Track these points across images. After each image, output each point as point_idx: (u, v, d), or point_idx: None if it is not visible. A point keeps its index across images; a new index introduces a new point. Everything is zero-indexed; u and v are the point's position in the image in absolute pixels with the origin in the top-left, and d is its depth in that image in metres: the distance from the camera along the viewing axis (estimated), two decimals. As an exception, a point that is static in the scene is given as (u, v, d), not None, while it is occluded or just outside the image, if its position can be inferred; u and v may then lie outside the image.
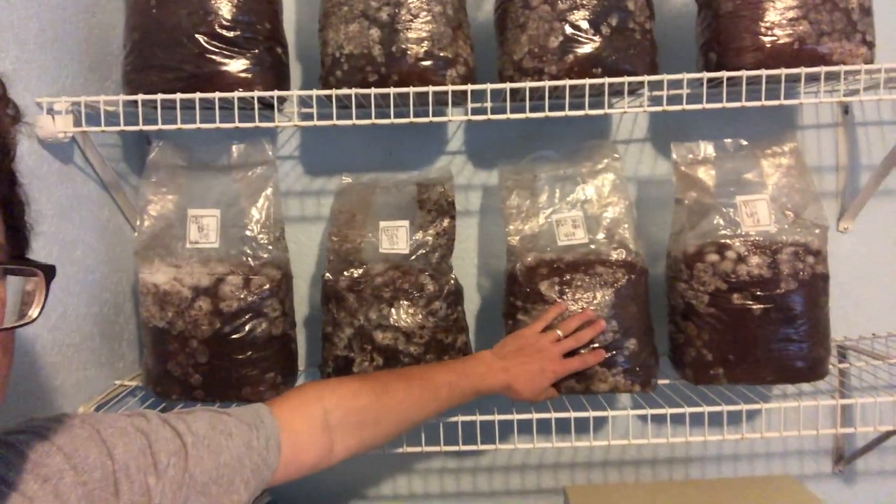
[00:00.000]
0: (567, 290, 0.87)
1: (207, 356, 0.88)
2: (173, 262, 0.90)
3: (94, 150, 0.92)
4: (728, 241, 0.85)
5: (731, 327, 0.86)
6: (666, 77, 0.81)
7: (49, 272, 0.45)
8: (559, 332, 0.84)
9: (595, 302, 0.86)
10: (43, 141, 0.83)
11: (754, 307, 0.84)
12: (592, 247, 0.90)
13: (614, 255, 0.89)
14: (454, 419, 0.89)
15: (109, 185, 0.96)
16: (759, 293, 0.84)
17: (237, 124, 0.83)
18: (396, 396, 0.75)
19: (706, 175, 0.88)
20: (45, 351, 0.82)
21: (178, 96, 0.82)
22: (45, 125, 0.82)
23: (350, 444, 0.72)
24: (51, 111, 0.83)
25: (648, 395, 0.89)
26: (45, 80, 0.84)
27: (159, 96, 0.82)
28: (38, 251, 0.80)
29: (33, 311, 0.44)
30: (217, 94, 0.82)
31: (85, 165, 0.92)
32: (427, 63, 0.83)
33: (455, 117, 0.88)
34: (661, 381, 0.92)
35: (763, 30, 0.79)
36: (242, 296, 0.88)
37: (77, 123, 0.84)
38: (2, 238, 0.43)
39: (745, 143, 0.90)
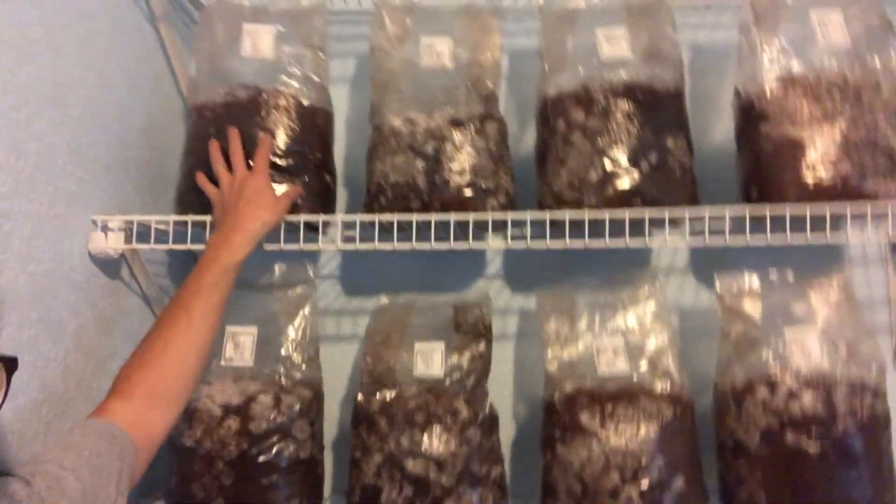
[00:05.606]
0: (609, 422, 0.83)
1: (233, 478, 0.85)
2: (207, 378, 0.89)
3: (140, 266, 0.94)
4: (778, 376, 0.82)
5: (785, 468, 0.81)
6: (707, 211, 0.82)
7: (11, 364, 0.49)
8: (221, 166, 0.84)
9: (639, 436, 0.82)
10: (94, 256, 0.86)
11: (810, 447, 0.79)
12: (635, 377, 0.87)
13: (659, 387, 0.86)
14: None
15: (153, 299, 0.98)
16: (814, 432, 0.80)
17: (282, 247, 0.85)
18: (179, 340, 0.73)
19: (752, 307, 0.87)
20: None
21: (228, 217, 0.84)
22: (97, 242, 0.85)
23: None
24: (104, 228, 0.86)
25: (698, 541, 0.83)
26: (103, 198, 0.88)
27: (209, 217, 0.85)
28: (75, 364, 0.81)
29: None
30: (265, 217, 0.84)
31: (131, 281, 0.94)
32: (468, 192, 0.86)
33: (494, 244, 0.88)
34: (711, 526, 0.85)
35: (805, 168, 0.79)
36: (272, 416, 0.87)
37: (128, 241, 0.87)
38: None
39: (791, 275, 0.89)
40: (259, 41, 0.88)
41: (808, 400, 0.80)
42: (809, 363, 0.82)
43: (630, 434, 0.82)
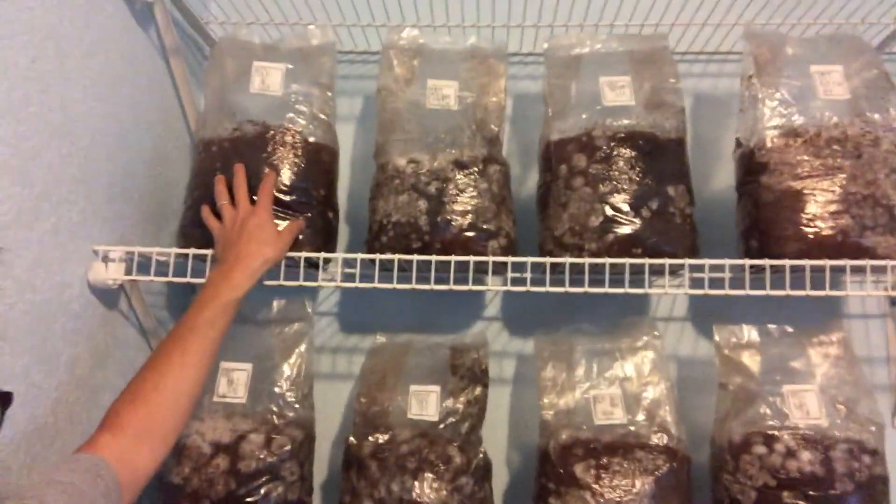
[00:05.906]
0: (604, 475, 0.82)
1: (219, 519, 0.83)
2: (198, 414, 0.88)
3: (139, 298, 0.94)
4: (776, 432, 0.81)
5: (782, 529, 0.79)
6: (708, 261, 0.82)
7: (5, 398, 0.49)
8: (225, 201, 0.85)
9: (634, 491, 0.81)
10: (93, 286, 0.85)
11: (808, 508, 0.78)
12: (632, 428, 0.86)
13: (655, 440, 0.84)
14: None
15: (149, 331, 0.98)
16: (811, 493, 0.78)
17: (281, 282, 0.85)
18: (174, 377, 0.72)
19: (751, 361, 0.86)
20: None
21: (228, 252, 0.84)
22: (98, 271, 0.85)
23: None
24: (105, 258, 0.86)
25: None
26: (106, 228, 0.88)
27: (210, 251, 0.85)
28: (66, 395, 0.80)
29: None
30: (266, 253, 0.84)
31: (128, 311, 0.94)
32: (470, 233, 0.86)
33: (494, 287, 0.88)
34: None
35: (805, 221, 0.79)
36: (262, 456, 0.86)
37: (128, 272, 0.87)
38: None
39: (790, 329, 0.88)
40: (268, 78, 0.90)
41: (806, 459, 0.79)
42: (807, 421, 0.81)
43: (625, 488, 0.81)
